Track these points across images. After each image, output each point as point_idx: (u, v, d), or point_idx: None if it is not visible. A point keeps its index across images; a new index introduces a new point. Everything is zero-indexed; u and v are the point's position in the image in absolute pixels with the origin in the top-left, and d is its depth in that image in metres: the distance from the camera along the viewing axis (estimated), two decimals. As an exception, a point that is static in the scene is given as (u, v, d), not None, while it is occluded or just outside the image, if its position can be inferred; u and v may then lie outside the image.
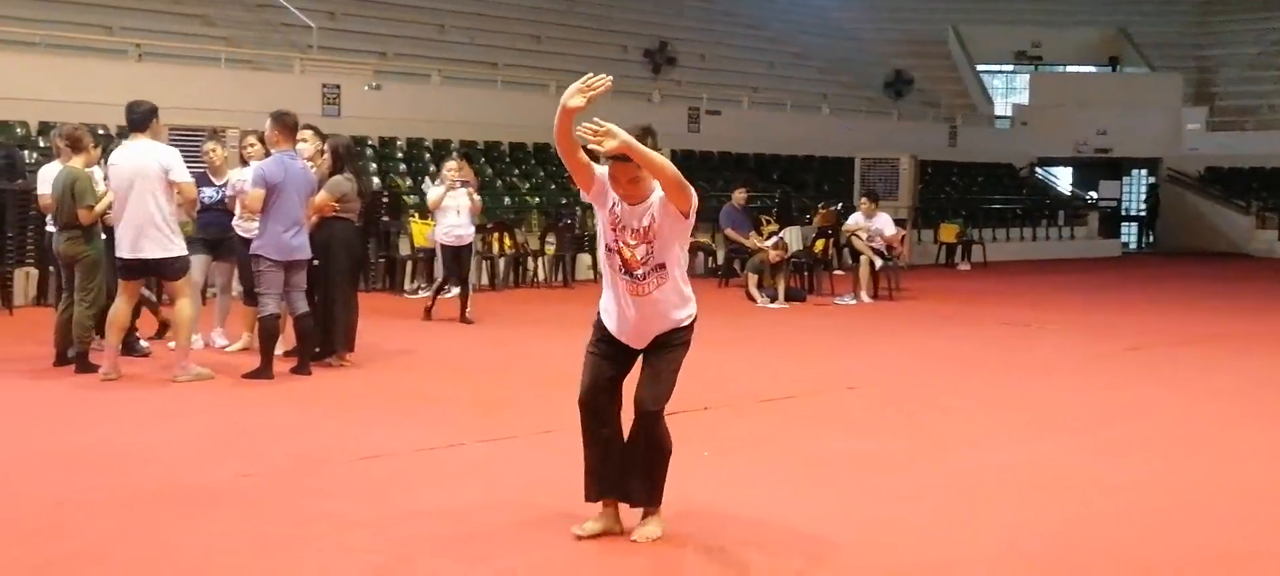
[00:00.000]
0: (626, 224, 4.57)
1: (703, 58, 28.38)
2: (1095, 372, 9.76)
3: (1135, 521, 5.22)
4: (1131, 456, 6.56)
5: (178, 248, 8.12)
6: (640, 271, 4.58)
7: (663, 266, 4.58)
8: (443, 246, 11.71)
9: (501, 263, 16.29)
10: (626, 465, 4.72)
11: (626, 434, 4.74)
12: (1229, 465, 6.40)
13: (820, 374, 9.48)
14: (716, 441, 6.50)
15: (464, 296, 11.73)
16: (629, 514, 4.76)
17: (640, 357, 4.71)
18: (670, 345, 4.68)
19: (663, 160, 4.44)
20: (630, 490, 4.75)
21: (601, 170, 4.59)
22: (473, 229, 11.85)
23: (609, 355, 4.72)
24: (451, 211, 11.46)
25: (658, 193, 4.55)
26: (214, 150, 9.64)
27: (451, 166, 11.75)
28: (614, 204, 4.60)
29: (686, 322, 4.71)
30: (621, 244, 4.57)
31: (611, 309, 4.71)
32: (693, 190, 4.49)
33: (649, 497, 4.75)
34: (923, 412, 7.81)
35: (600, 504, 4.77)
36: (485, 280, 15.39)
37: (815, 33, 32.94)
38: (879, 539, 4.85)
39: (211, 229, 9.37)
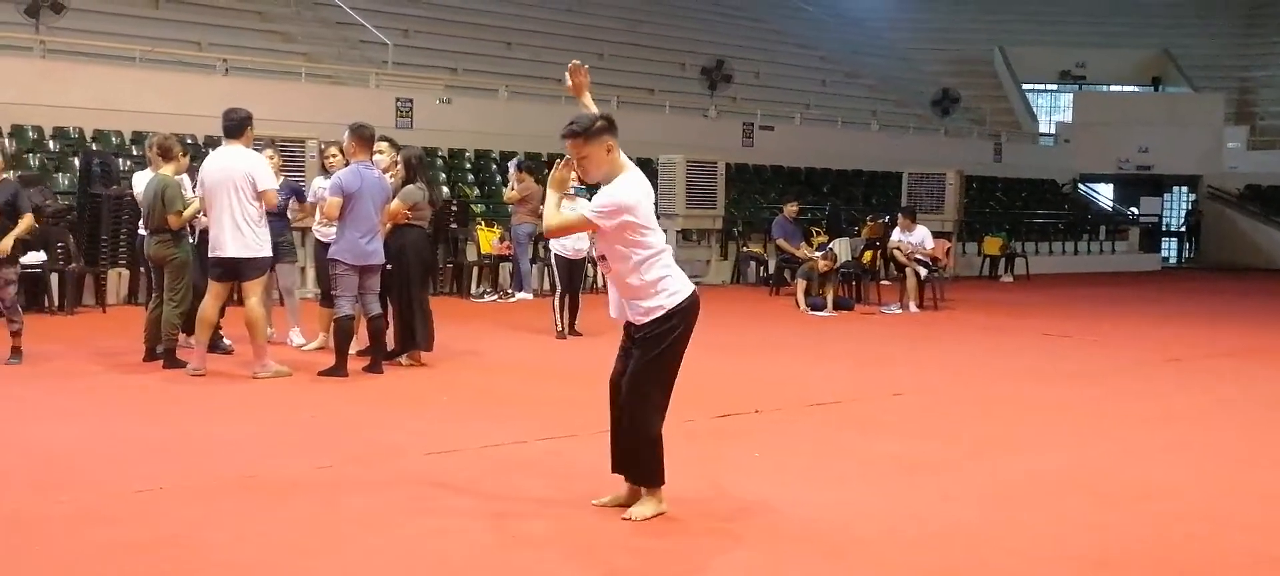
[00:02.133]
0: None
1: (758, 75, 28.86)
2: (1135, 382, 9.79)
3: (1174, 526, 5.25)
4: (1171, 463, 6.58)
5: (261, 249, 8.33)
6: (596, 252, 5.07)
7: (604, 258, 5.00)
8: (557, 258, 11.40)
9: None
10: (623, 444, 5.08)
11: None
12: (1267, 472, 6.41)
13: (867, 380, 9.54)
14: (766, 443, 6.52)
15: (574, 309, 11.44)
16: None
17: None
18: (645, 338, 4.95)
19: (550, 207, 5.08)
20: (624, 466, 5.11)
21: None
22: (587, 242, 11.23)
23: (626, 343, 5.10)
24: None
25: (610, 183, 4.95)
26: (271, 158, 9.62)
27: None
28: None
29: (662, 315, 4.90)
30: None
31: (612, 298, 5.16)
32: (593, 216, 4.91)
33: (638, 476, 5.05)
34: (966, 418, 7.91)
35: (624, 477, 5.12)
36: (546, 286, 15.75)
37: (866, 52, 33.43)
38: (924, 539, 4.89)
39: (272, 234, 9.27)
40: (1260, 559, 4.82)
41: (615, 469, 5.13)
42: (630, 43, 27.23)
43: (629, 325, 5.06)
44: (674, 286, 4.96)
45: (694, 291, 5.06)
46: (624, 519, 4.97)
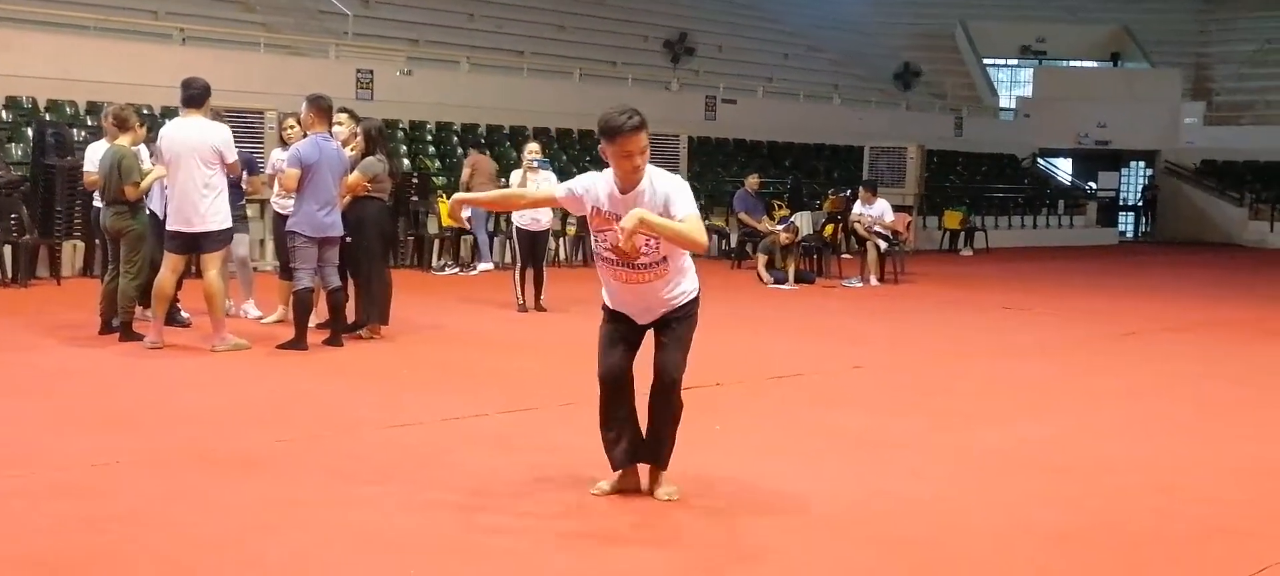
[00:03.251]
0: (619, 213, 4.65)
1: (720, 49, 28.86)
2: (1093, 356, 9.88)
3: (1132, 498, 5.28)
4: (1129, 437, 6.64)
5: (222, 221, 8.26)
6: (642, 261, 4.70)
7: (665, 260, 4.75)
8: (520, 231, 11.26)
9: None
10: (647, 431, 4.96)
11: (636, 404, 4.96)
12: (1222, 445, 6.48)
13: (828, 353, 9.60)
14: (728, 416, 6.49)
15: (539, 283, 11.36)
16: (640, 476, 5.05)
17: (650, 331, 4.91)
18: (680, 318, 4.86)
19: (674, 227, 4.59)
20: (648, 452, 4.98)
21: (569, 187, 4.86)
22: (550, 215, 11.48)
23: (623, 334, 4.91)
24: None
25: (648, 183, 4.67)
26: None
27: (533, 149, 11.27)
28: (600, 202, 4.74)
29: (693, 296, 4.88)
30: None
31: (614, 293, 4.92)
32: (700, 233, 4.66)
33: (663, 456, 4.99)
34: (927, 392, 7.94)
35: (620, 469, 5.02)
36: (507, 259, 15.71)
37: (828, 26, 33.51)
38: (885, 511, 4.92)
39: None
40: (1214, 530, 4.90)
41: (631, 460, 5.01)
42: (592, 15, 27.16)
43: (633, 319, 4.93)
44: (692, 266, 4.96)
45: None
46: (668, 498, 4.93)
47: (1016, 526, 4.85)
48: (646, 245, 4.69)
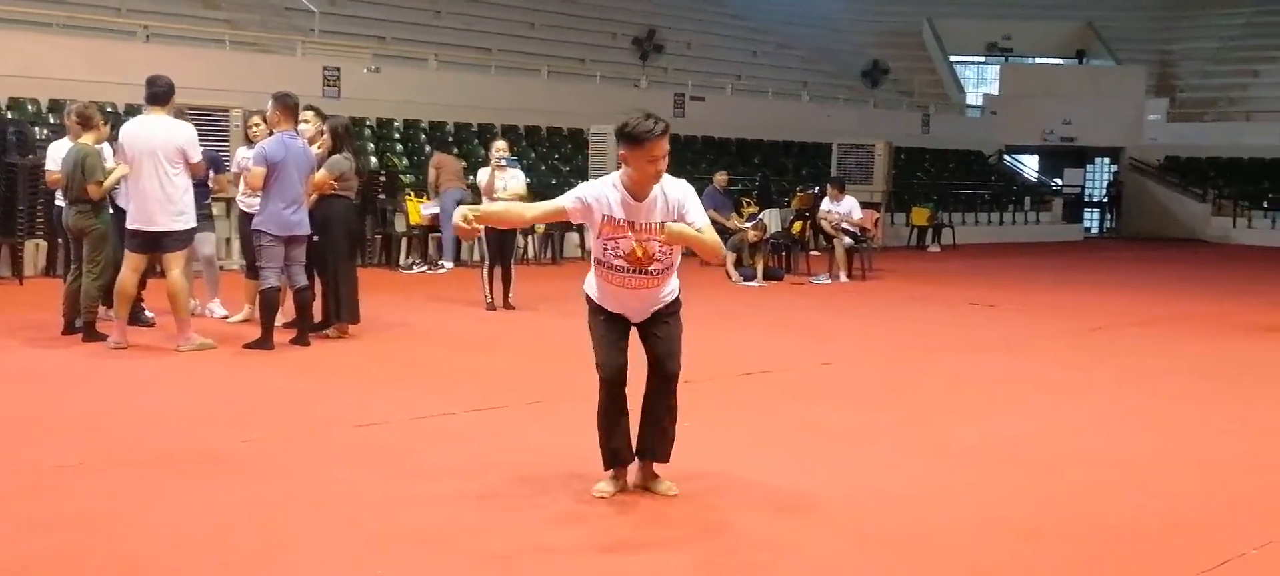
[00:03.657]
0: (634, 220, 4.70)
1: (689, 46, 28.90)
2: (1060, 351, 9.98)
3: (1101, 491, 5.34)
4: (1096, 431, 6.72)
5: (185, 222, 8.20)
6: (654, 267, 4.78)
7: (672, 265, 4.88)
8: (488, 229, 10.84)
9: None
10: (643, 427, 5.00)
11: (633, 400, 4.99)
12: (1187, 439, 6.58)
13: (796, 349, 9.62)
14: (698, 413, 6.16)
15: (507, 282, 11.30)
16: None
17: (638, 328, 4.96)
18: (672, 314, 4.96)
19: (705, 238, 4.74)
20: (649, 448, 5.02)
21: (578, 197, 4.77)
22: None
23: (620, 332, 4.93)
24: (499, 193, 11.00)
25: (660, 190, 4.72)
26: None
27: (501, 147, 11.30)
28: (612, 210, 4.73)
29: (678, 292, 4.99)
30: (637, 242, 4.70)
31: (609, 295, 4.90)
32: (719, 243, 4.91)
33: (666, 452, 5.04)
34: (896, 387, 8.00)
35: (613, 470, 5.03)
36: (475, 256, 15.68)
37: (797, 23, 33.58)
38: (856, 506, 4.95)
39: None
40: (1179, 524, 4.96)
41: (629, 458, 5.05)
42: (561, 12, 27.09)
43: (629, 318, 4.97)
44: None
45: None
46: (668, 493, 4.99)
47: (987, 521, 4.89)
48: (660, 251, 4.77)
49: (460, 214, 4.70)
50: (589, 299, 5.01)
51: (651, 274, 4.82)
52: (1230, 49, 35.17)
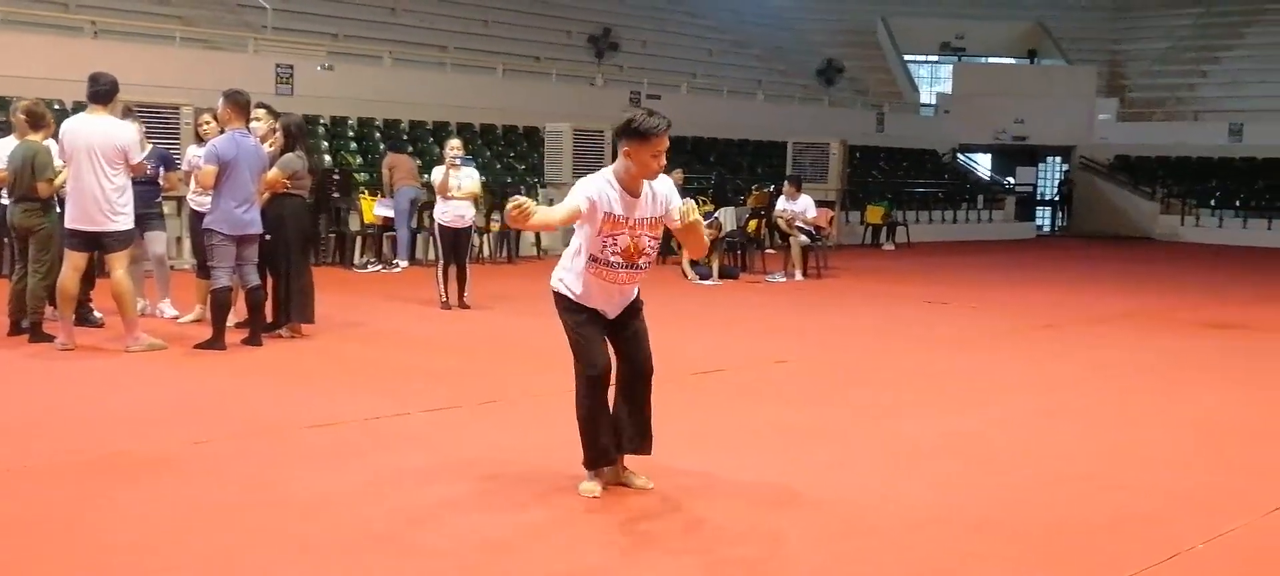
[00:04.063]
0: (629, 215, 4.81)
1: (644, 44, 28.93)
2: (1012, 348, 10.10)
3: (1050, 487, 5.41)
4: (1046, 426, 6.81)
5: (124, 222, 8.08)
6: (643, 261, 4.90)
7: (653, 259, 5.00)
8: (442, 228, 11.11)
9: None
10: (623, 423, 5.05)
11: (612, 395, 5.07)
12: (1134, 434, 6.65)
13: (752, 348, 9.63)
14: (654, 412, 7.01)
15: (462, 281, 11.24)
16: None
17: (609, 326, 5.01)
18: (638, 310, 5.08)
19: (701, 230, 5.02)
20: (634, 442, 5.07)
21: (588, 197, 4.76)
22: (473, 211, 11.46)
23: (601, 330, 4.96)
24: (453, 192, 10.99)
25: (650, 187, 4.85)
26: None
27: (455, 145, 11.25)
28: (613, 207, 4.80)
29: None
30: (635, 237, 4.81)
31: (595, 293, 4.93)
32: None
33: (648, 444, 5.10)
34: (850, 385, 8.08)
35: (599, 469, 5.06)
36: (430, 255, 15.69)
37: (752, 22, 33.70)
38: (809, 504, 4.98)
39: (139, 203, 8.90)
40: (1128, 517, 5.03)
41: (613, 455, 5.09)
42: (516, 9, 27.04)
43: (607, 315, 5.02)
44: None
45: None
46: (645, 487, 5.09)
47: (938, 515, 4.93)
48: (650, 246, 4.92)
49: (517, 202, 4.58)
50: (566, 298, 4.98)
51: (640, 269, 4.94)
52: (1178, 50, 35.69)
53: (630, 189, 4.83)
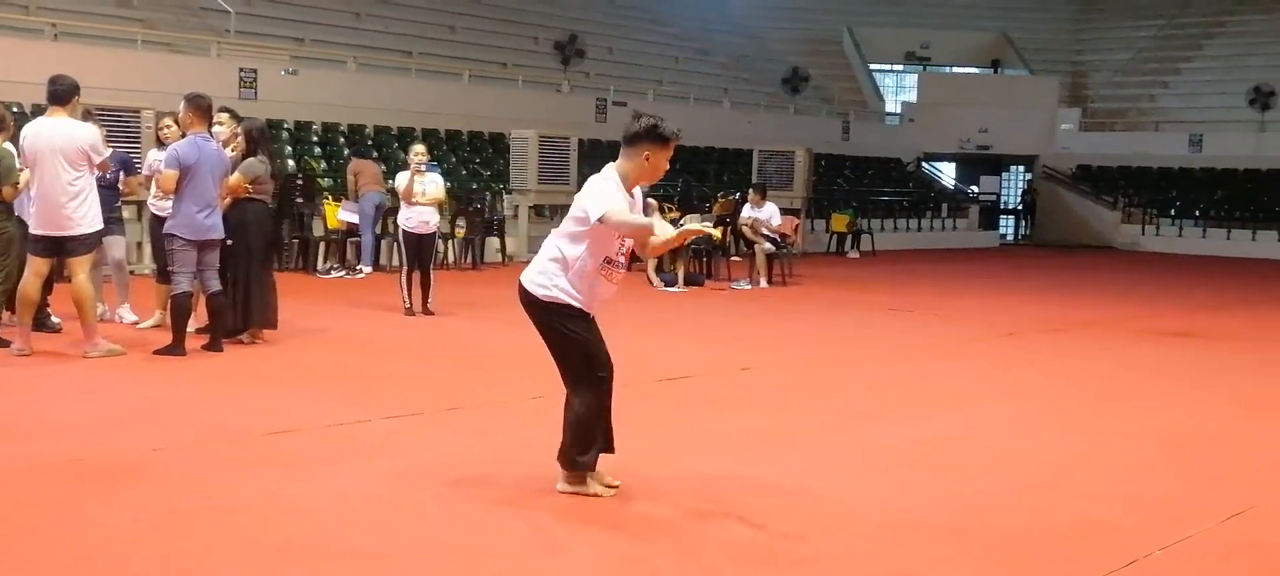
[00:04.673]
0: None
1: (610, 51, 28.87)
2: (974, 356, 10.18)
3: (1010, 494, 5.47)
4: (1008, 434, 6.87)
5: (90, 225, 7.99)
6: (624, 262, 5.08)
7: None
8: (406, 233, 11.10)
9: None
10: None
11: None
12: (1094, 442, 6.70)
13: (717, 355, 9.63)
14: (616, 419, 6.55)
15: (426, 287, 11.18)
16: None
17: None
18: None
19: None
20: (608, 443, 5.17)
21: (610, 206, 4.81)
22: (438, 216, 11.44)
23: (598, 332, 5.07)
24: (418, 197, 11.00)
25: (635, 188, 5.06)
26: None
27: (420, 151, 11.26)
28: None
29: None
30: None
31: (598, 297, 5.00)
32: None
33: (613, 443, 5.21)
34: (814, 392, 8.10)
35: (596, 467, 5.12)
36: (394, 261, 15.41)
37: (718, 29, 33.78)
38: (772, 511, 4.99)
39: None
40: (1089, 524, 5.05)
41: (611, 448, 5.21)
42: (482, 16, 26.96)
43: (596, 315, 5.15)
44: None
45: None
46: (618, 485, 5.15)
47: (902, 523, 4.95)
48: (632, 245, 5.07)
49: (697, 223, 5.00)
50: (567, 305, 4.94)
51: (627, 268, 5.12)
52: (1140, 61, 36.07)
53: (629, 190, 5.00)
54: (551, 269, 4.95)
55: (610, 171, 4.97)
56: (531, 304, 5.01)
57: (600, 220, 4.77)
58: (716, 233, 5.48)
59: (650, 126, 4.91)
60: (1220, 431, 7.26)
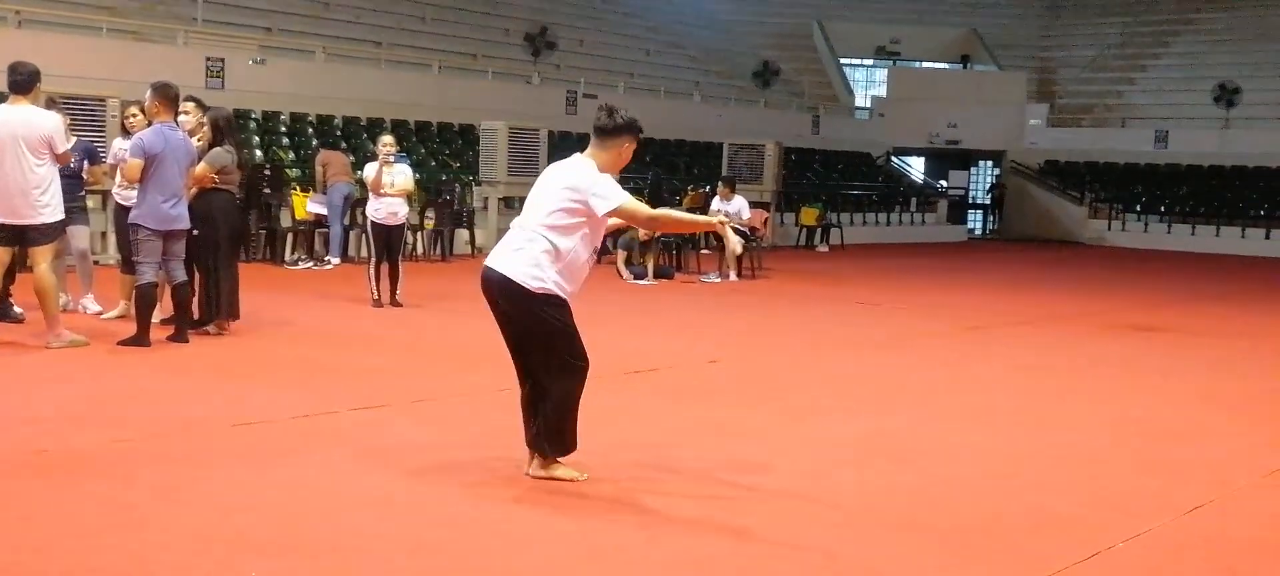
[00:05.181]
0: None
1: (581, 43, 28.82)
2: (939, 350, 10.23)
3: (972, 487, 5.50)
4: (970, 427, 6.88)
5: (50, 214, 7.91)
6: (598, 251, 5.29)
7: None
8: (375, 225, 11.07)
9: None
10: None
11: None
12: (1056, 435, 6.73)
13: (685, 348, 9.64)
14: (584, 411, 6.04)
15: (394, 278, 11.14)
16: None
17: None
18: None
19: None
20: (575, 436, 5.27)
21: (624, 197, 5.00)
22: (406, 208, 11.45)
23: None
24: (386, 188, 10.99)
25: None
26: None
27: (388, 143, 11.23)
28: None
29: None
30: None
31: (578, 284, 5.12)
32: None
33: None
34: (780, 385, 8.14)
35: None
36: (362, 252, 15.30)
37: (689, 22, 33.78)
38: (735, 503, 5.01)
39: (63, 197, 8.52)
40: (1050, 516, 5.11)
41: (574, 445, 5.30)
42: (453, 6, 26.85)
43: None
44: None
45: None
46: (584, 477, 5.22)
47: (861, 515, 4.99)
48: None
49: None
50: (557, 297, 5.02)
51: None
52: (1107, 57, 36.35)
53: None
54: (543, 260, 4.99)
55: (589, 163, 5.04)
56: (520, 296, 5.00)
57: (616, 211, 4.92)
58: (737, 247, 5.45)
59: (631, 121, 5.10)
60: (1182, 425, 7.33)
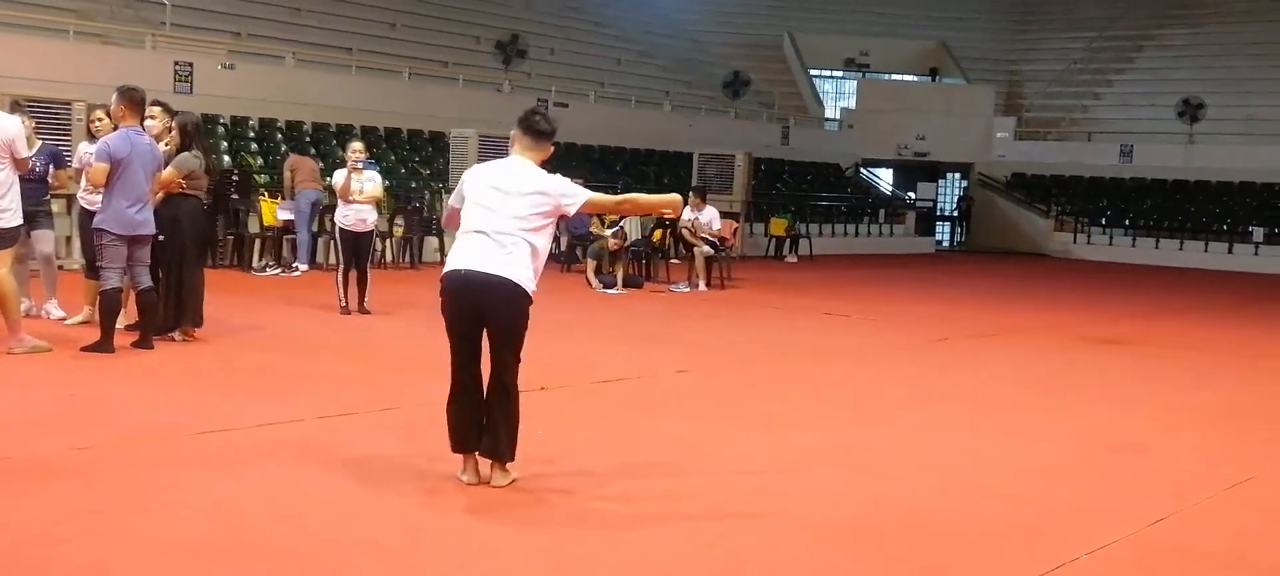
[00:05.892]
0: None
1: (552, 52, 28.79)
2: (906, 361, 10.27)
3: (937, 498, 5.51)
4: (936, 438, 6.93)
5: (9, 220, 7.82)
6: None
7: None
8: (342, 231, 11.04)
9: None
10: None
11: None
12: (1022, 447, 6.79)
13: (654, 358, 9.64)
14: (551, 420, 6.36)
15: (363, 285, 11.10)
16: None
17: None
18: None
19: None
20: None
21: (587, 191, 5.30)
22: (375, 215, 11.43)
23: None
24: (355, 195, 10.97)
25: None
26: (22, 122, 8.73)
27: (357, 149, 11.21)
28: None
29: None
30: None
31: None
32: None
33: None
34: (749, 395, 8.15)
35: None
36: (330, 259, 15.24)
37: (660, 32, 33.85)
38: (700, 513, 5.03)
39: (27, 201, 8.53)
40: (1015, 527, 5.16)
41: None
42: (423, 14, 26.79)
43: None
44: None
45: (449, 270, 5.21)
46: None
47: (826, 525, 5.00)
48: None
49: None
50: (531, 299, 5.19)
51: None
52: (1073, 72, 36.67)
53: None
54: (529, 262, 5.17)
55: (536, 166, 5.30)
56: (520, 297, 5.14)
57: (586, 205, 5.23)
58: (670, 210, 5.65)
59: (555, 128, 5.36)
60: (1145, 437, 7.39)
